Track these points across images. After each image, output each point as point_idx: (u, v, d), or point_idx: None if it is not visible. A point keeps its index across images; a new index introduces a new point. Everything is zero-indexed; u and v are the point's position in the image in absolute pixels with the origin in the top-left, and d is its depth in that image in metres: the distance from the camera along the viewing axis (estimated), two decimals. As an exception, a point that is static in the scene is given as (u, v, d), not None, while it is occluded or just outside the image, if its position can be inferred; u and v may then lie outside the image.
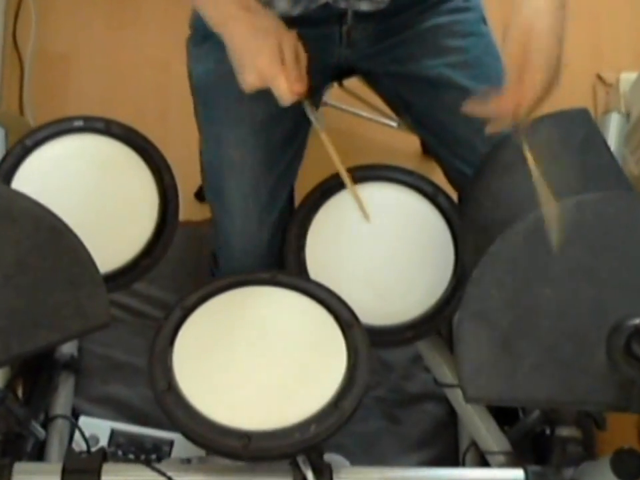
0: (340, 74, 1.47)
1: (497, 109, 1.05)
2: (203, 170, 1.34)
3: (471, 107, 1.07)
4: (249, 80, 1.10)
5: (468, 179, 1.29)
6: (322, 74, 1.36)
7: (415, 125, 1.39)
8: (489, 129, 1.07)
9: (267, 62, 1.09)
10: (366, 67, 1.37)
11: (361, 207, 1.25)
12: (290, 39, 1.11)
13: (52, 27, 2.05)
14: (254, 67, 1.09)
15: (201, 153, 1.33)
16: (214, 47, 1.28)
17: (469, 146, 1.29)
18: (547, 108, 1.20)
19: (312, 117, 1.20)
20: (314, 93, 1.38)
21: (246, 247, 1.29)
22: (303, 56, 1.13)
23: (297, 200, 1.32)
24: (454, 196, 1.34)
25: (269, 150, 1.28)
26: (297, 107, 1.20)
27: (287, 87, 1.09)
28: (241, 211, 1.28)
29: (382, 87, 1.41)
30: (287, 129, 1.30)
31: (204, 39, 1.30)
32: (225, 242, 1.32)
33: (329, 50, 1.31)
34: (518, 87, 1.02)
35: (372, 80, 1.41)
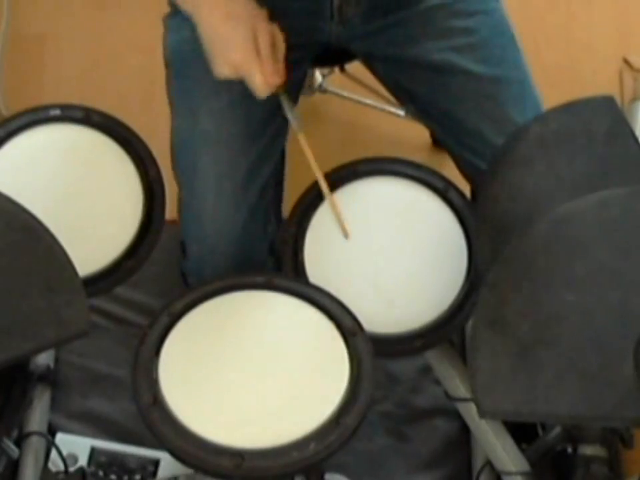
0: (337, 55, 1.47)
1: None
2: (172, 147, 1.33)
3: None
4: (222, 71, 1.14)
5: (479, 172, 1.30)
6: (311, 53, 1.36)
7: (419, 114, 1.40)
8: None
9: (241, 54, 1.12)
10: (362, 49, 1.37)
11: (340, 222, 1.25)
12: (266, 28, 1.13)
13: (26, 6, 2.05)
14: (227, 59, 1.13)
15: (172, 130, 1.33)
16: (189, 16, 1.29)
17: (477, 136, 1.29)
18: (570, 95, 1.21)
19: (289, 115, 1.22)
20: (302, 75, 1.39)
21: (218, 230, 1.28)
22: (281, 46, 1.15)
23: (294, 196, 1.32)
24: (467, 190, 1.34)
25: (249, 123, 1.28)
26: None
27: (262, 81, 1.13)
28: (214, 191, 1.28)
29: (381, 73, 1.41)
30: (268, 101, 1.30)
31: (179, 10, 1.31)
32: (194, 225, 1.31)
33: (319, 27, 1.31)
34: None
35: (371, 65, 1.42)
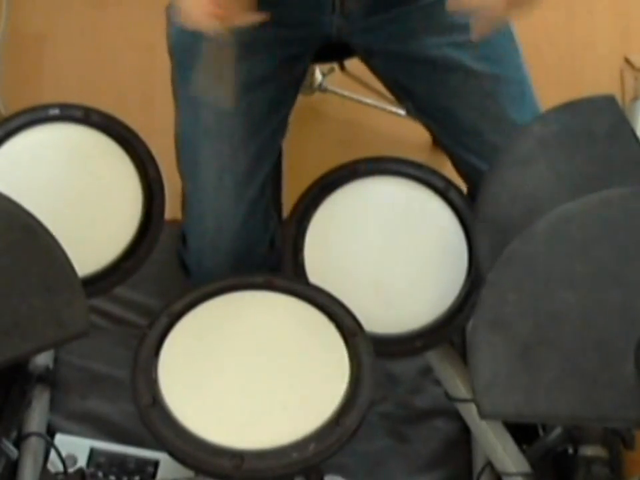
0: (336, 51, 1.47)
1: None
2: (176, 141, 1.34)
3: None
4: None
5: (475, 170, 1.30)
6: (313, 46, 1.36)
7: (417, 112, 1.40)
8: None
9: None
10: (362, 43, 1.37)
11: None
12: None
13: (25, 5, 2.05)
14: None
15: (175, 123, 1.33)
16: None
17: (475, 134, 1.30)
18: (570, 94, 1.21)
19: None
20: (303, 70, 1.39)
21: (219, 224, 1.29)
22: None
23: (294, 196, 1.32)
24: (465, 190, 1.34)
25: (250, 117, 1.29)
26: (280, 72, 1.21)
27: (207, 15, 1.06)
28: (214, 185, 1.29)
29: (381, 70, 1.41)
30: (270, 95, 1.30)
31: None
32: (195, 219, 1.32)
33: (321, 19, 1.31)
34: None
35: (370, 62, 1.42)
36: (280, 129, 1.35)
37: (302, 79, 1.40)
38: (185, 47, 1.31)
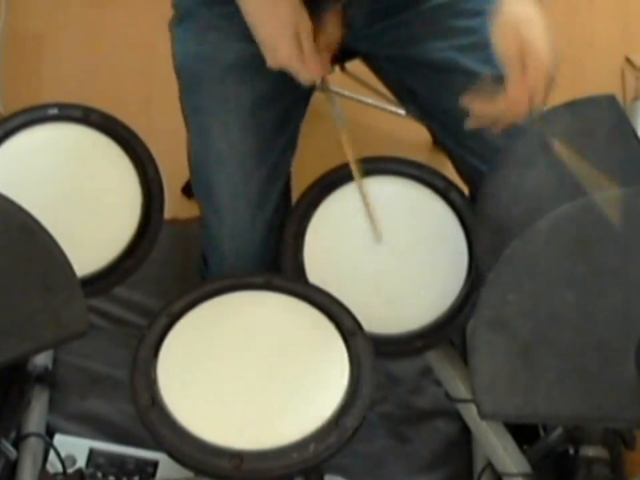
0: (339, 56, 1.47)
1: (509, 104, 1.10)
2: (190, 164, 1.34)
3: (476, 106, 1.15)
4: (272, 65, 1.19)
5: (477, 173, 1.30)
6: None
7: (419, 113, 1.40)
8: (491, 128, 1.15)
9: (286, 55, 1.17)
10: (365, 49, 1.37)
11: (372, 222, 1.25)
12: (307, 26, 1.18)
13: (24, 5, 2.05)
14: (274, 59, 1.18)
15: (188, 148, 1.34)
16: (194, 27, 1.30)
17: (477, 137, 1.30)
18: (571, 94, 1.21)
19: (333, 111, 1.26)
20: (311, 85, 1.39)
21: (237, 247, 1.30)
22: (324, 38, 1.21)
23: (294, 195, 1.33)
24: (466, 191, 1.34)
25: (260, 138, 1.29)
26: (287, 89, 1.22)
27: (307, 76, 1.19)
28: (230, 209, 1.29)
29: (384, 72, 1.41)
30: (278, 113, 1.30)
31: (184, 18, 1.32)
32: (214, 243, 1.32)
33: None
34: (522, 76, 1.08)
35: (373, 64, 1.42)
36: (290, 145, 1.35)
37: (310, 93, 1.40)
38: (191, 74, 1.31)
